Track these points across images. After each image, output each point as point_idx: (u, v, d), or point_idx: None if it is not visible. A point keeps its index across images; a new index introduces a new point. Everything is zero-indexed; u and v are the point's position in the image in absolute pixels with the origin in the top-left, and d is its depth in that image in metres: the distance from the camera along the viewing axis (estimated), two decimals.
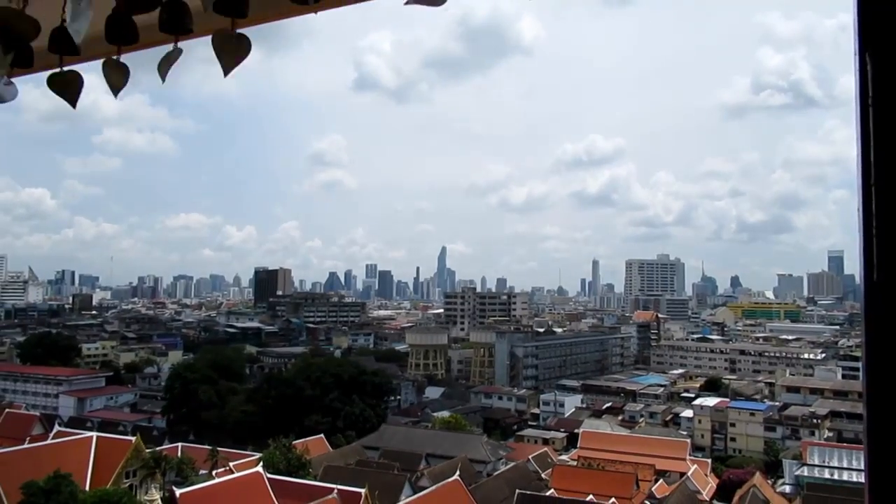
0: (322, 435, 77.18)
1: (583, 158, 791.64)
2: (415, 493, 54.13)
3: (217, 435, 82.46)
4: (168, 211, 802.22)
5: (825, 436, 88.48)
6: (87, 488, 50.46)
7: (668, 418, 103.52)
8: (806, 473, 68.88)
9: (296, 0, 2.19)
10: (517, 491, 53.76)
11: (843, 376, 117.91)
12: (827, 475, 67.36)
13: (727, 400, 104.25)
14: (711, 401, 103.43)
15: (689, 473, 69.06)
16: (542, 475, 67.59)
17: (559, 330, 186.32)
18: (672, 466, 73.03)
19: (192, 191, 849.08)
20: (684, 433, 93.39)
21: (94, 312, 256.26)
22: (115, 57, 2.47)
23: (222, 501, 45.99)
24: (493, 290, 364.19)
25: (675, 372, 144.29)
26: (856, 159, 1.61)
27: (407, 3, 2.06)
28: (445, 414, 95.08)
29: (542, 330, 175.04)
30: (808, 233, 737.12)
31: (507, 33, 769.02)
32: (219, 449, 63.75)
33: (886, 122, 1.56)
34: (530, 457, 73.71)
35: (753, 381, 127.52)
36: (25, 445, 60.27)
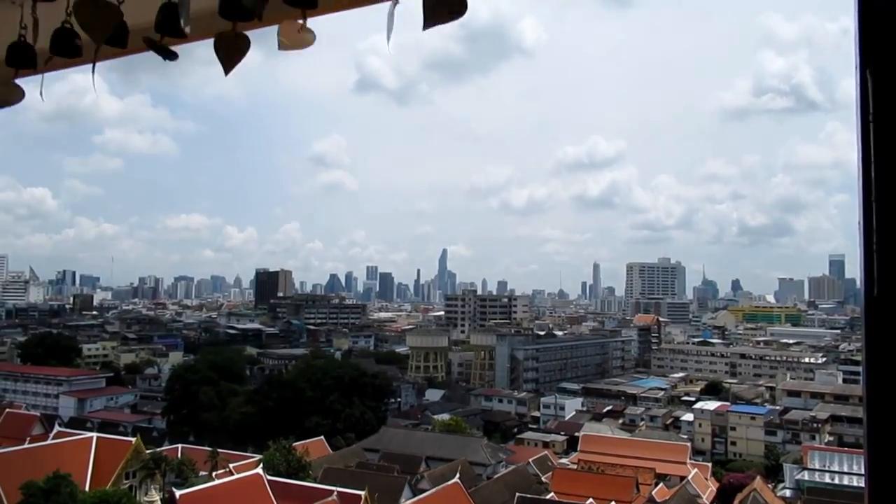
0: (322, 437, 77.18)
1: (584, 161, 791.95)
2: (415, 495, 54.12)
3: (217, 436, 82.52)
4: (169, 211, 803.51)
5: (826, 440, 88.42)
6: (87, 489, 50.48)
7: (668, 422, 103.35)
8: (806, 478, 68.78)
9: (295, 4, 2.21)
10: (517, 494, 53.78)
11: (844, 380, 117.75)
12: (827, 479, 67.28)
13: (728, 404, 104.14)
14: (712, 404, 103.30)
15: (689, 477, 68.93)
16: (543, 478, 67.53)
17: (560, 333, 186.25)
18: (672, 470, 72.92)
19: (193, 191, 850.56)
20: (685, 437, 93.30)
21: (94, 313, 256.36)
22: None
23: (222, 503, 45.98)
24: (494, 292, 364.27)
25: (675, 375, 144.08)
26: (857, 175, 1.62)
27: (426, 28, 2.07)
28: (445, 416, 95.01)
29: (542, 333, 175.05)
30: (810, 236, 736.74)
31: (509, 35, 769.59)
32: (219, 450, 63.73)
33: (887, 138, 1.56)
34: (530, 460, 73.59)
35: (754, 385, 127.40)
36: (25, 445, 60.31)
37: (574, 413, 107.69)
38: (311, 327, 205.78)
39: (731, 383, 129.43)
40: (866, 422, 1.57)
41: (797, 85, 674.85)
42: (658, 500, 62.45)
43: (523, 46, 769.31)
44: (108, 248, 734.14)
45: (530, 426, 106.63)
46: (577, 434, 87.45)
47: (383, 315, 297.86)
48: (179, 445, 70.26)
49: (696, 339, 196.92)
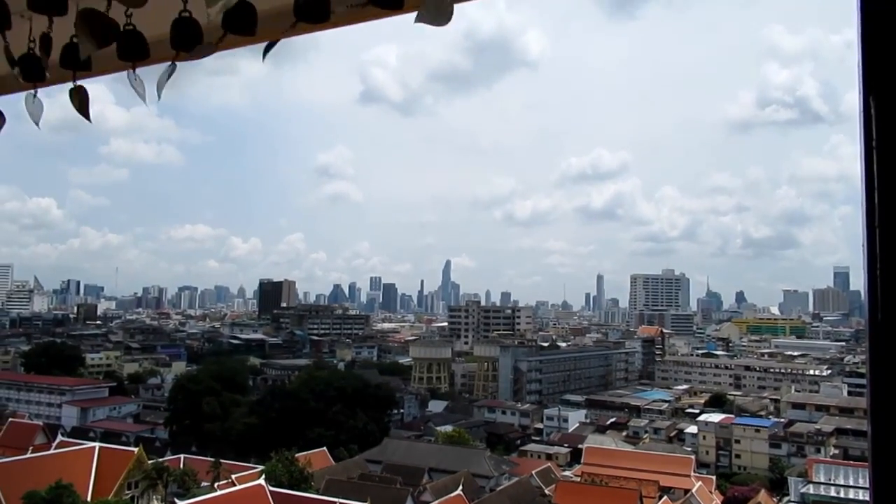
0: (325, 448, 77.01)
1: (588, 172, 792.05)
2: None
3: (220, 447, 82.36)
4: (174, 222, 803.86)
5: (831, 453, 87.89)
6: (89, 499, 50.48)
7: (672, 434, 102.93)
8: (811, 491, 68.30)
9: (304, 19, 2.21)
10: None
11: (849, 393, 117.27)
12: (833, 493, 66.82)
13: (732, 416, 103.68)
14: (716, 417, 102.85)
15: (693, 490, 68.57)
16: (546, 491, 67.22)
17: (563, 344, 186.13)
18: (676, 483, 72.52)
19: (197, 202, 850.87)
20: (689, 449, 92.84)
21: (98, 322, 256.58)
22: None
23: None
24: (498, 303, 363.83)
25: (679, 387, 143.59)
26: (860, 200, 1.61)
27: (417, 21, 2.11)
28: (448, 428, 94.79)
29: (546, 344, 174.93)
30: (814, 248, 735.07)
31: (513, 47, 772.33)
32: (221, 461, 63.63)
33: (890, 164, 1.56)
34: (534, 472, 73.32)
35: (758, 398, 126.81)
36: (28, 455, 60.34)
37: (577, 425, 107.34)
38: (315, 338, 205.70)
39: (735, 395, 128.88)
40: (870, 435, 1.56)
41: (801, 97, 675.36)
42: None
43: (528, 59, 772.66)
44: (112, 258, 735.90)
45: (533, 438, 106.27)
46: (580, 446, 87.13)
47: (386, 326, 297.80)
48: (182, 456, 70.16)
49: (700, 351, 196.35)
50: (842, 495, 65.70)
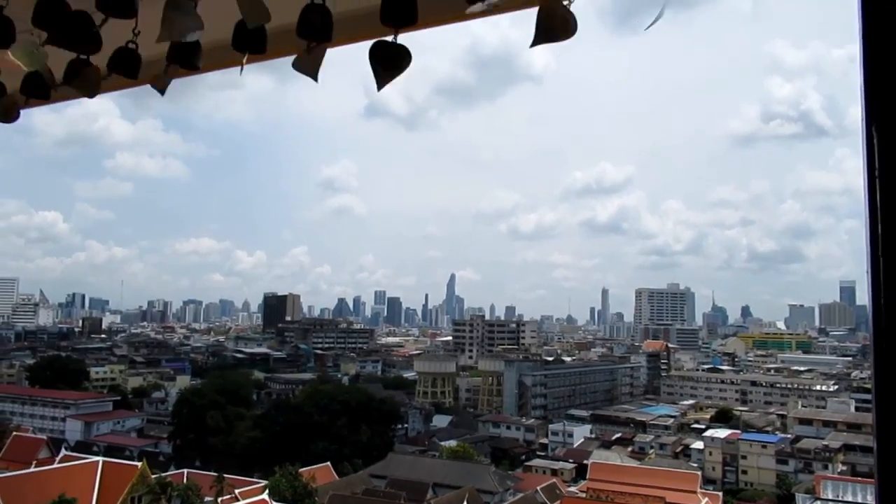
0: (329, 463, 76.66)
1: (592, 186, 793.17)
2: None
3: (224, 461, 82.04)
4: (179, 235, 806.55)
5: (839, 469, 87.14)
6: None
7: (678, 450, 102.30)
8: None
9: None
10: None
11: (857, 409, 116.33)
12: None
13: (738, 432, 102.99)
14: (722, 432, 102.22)
15: None
16: None
17: (568, 359, 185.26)
18: (683, 499, 71.87)
19: (202, 215, 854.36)
20: (695, 465, 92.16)
21: (103, 336, 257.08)
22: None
23: None
24: (502, 317, 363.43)
25: (685, 403, 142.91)
26: (864, 231, 1.60)
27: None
28: (453, 443, 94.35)
29: (551, 359, 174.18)
30: (820, 262, 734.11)
31: (517, 61, 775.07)
32: (225, 476, 63.32)
33: (893, 194, 1.56)
34: (539, 488, 72.78)
35: (765, 413, 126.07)
36: (32, 469, 60.13)
37: (583, 440, 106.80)
38: (319, 352, 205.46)
39: (741, 411, 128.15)
40: (877, 451, 1.55)
41: (805, 111, 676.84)
42: None
43: (532, 72, 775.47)
44: (118, 272, 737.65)
45: (538, 453, 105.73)
46: (585, 462, 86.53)
47: (391, 340, 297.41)
48: (185, 470, 69.86)
49: (705, 366, 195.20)
50: None
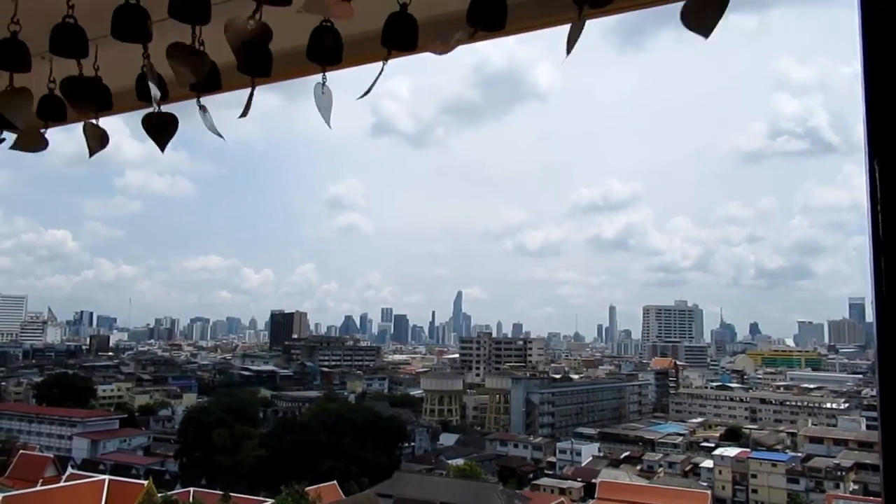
0: (335, 481, 76.31)
1: (599, 203, 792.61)
2: None
3: (230, 480, 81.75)
4: (187, 253, 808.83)
5: (850, 489, 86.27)
6: None
7: (687, 468, 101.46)
8: None
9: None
10: None
11: (868, 427, 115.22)
12: None
13: (748, 450, 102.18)
14: (732, 451, 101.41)
15: None
16: None
17: (576, 376, 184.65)
18: None
19: (210, 233, 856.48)
20: (704, 484, 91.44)
21: (110, 354, 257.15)
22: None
23: None
24: (509, 335, 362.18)
25: (694, 420, 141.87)
26: (868, 266, 1.59)
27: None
28: (460, 461, 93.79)
29: (558, 376, 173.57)
30: (829, 279, 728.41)
31: (523, 79, 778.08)
32: (231, 494, 63.19)
33: (894, 226, 1.55)
34: None
35: (775, 431, 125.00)
36: (38, 488, 60.12)
37: (591, 458, 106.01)
38: (326, 369, 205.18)
39: (751, 429, 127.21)
40: (883, 469, 1.54)
41: (812, 128, 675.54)
42: None
43: (538, 90, 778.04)
44: (126, 290, 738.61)
45: (546, 472, 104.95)
46: (593, 480, 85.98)
47: (398, 357, 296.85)
48: (192, 489, 69.68)
49: (714, 384, 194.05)
50: None
